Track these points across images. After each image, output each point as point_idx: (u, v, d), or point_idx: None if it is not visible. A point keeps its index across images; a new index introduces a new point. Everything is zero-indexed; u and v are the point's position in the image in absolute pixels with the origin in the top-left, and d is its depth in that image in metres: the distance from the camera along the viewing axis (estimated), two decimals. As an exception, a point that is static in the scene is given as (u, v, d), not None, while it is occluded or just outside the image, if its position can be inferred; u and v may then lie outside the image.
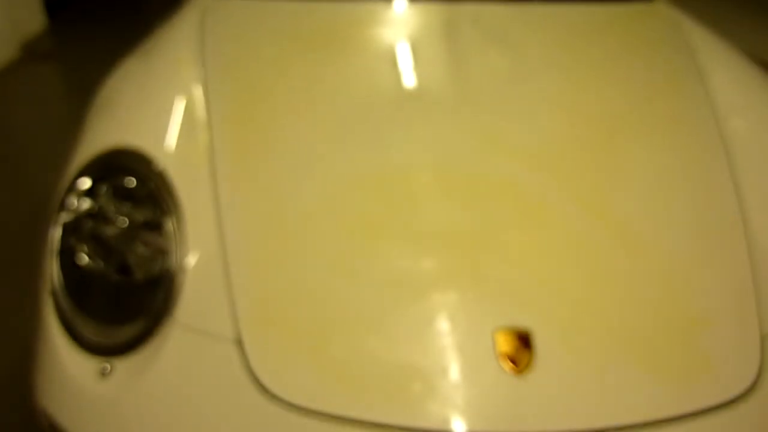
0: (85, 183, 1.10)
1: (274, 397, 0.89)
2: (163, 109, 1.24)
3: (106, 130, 1.22)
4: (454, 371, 0.90)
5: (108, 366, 0.98)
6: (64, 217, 1.09)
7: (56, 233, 1.07)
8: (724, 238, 1.08)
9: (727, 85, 1.37)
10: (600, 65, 1.41)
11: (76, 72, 3.69)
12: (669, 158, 1.20)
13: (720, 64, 1.44)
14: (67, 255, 1.06)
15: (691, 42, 1.51)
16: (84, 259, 1.06)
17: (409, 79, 1.37)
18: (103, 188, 1.10)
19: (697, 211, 1.12)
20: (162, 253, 1.05)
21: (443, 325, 0.94)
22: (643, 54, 1.48)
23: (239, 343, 0.94)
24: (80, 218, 1.09)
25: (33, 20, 4.21)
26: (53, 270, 1.05)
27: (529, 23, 1.54)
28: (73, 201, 1.10)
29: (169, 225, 1.06)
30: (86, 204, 1.10)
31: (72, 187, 1.10)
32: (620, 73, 1.41)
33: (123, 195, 1.10)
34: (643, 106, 1.32)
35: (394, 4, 1.62)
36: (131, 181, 1.10)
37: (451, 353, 0.92)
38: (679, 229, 1.08)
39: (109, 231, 1.09)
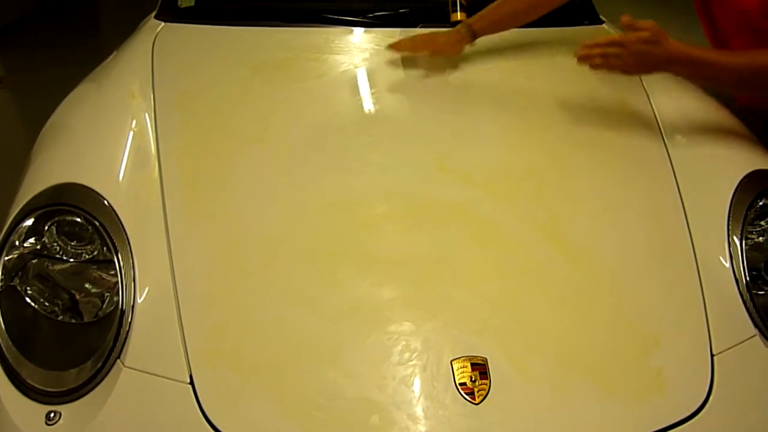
0: (29, 220, 1.06)
1: None
2: (110, 143, 1.21)
3: (52, 164, 1.18)
4: (413, 403, 0.89)
5: (54, 413, 0.93)
6: (7, 257, 1.04)
7: None
8: (674, 258, 1.10)
9: (671, 102, 1.41)
10: (551, 89, 1.44)
11: (28, 99, 3.59)
12: (619, 180, 1.23)
13: (663, 80, 1.49)
14: (10, 297, 1.02)
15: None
16: (29, 299, 1.02)
17: (364, 106, 1.37)
18: (48, 225, 1.07)
19: (647, 231, 1.14)
20: (111, 291, 1.02)
21: (401, 356, 0.93)
22: (593, 77, 1.51)
23: (191, 383, 0.91)
24: (24, 257, 1.05)
25: (-18, 46, 4.10)
26: None
27: (480, 48, 1.57)
28: (17, 239, 1.06)
29: (118, 262, 1.03)
30: (30, 242, 1.06)
31: (15, 225, 1.06)
32: (571, 95, 1.44)
33: (69, 232, 1.07)
34: (593, 126, 1.35)
35: (350, 31, 1.63)
36: (77, 218, 1.07)
37: (410, 385, 0.91)
38: (630, 251, 1.10)
39: (56, 269, 1.05)
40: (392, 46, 1.49)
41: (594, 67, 1.19)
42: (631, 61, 1.15)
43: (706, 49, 1.20)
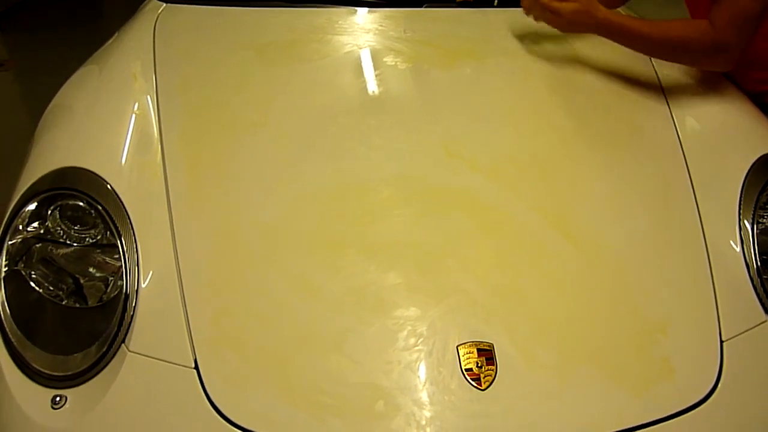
0: (32, 205, 1.06)
1: (233, 424, 0.86)
2: (112, 126, 1.19)
3: (54, 148, 1.17)
4: (419, 388, 0.89)
5: (60, 397, 0.93)
6: (11, 241, 1.04)
7: (2, 259, 1.02)
8: (684, 243, 1.09)
9: (681, 84, 1.39)
10: (558, 72, 1.42)
11: (31, 82, 3.58)
12: (628, 164, 1.21)
13: (675, 66, 1.46)
14: (14, 282, 1.02)
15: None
16: (33, 284, 1.02)
17: (368, 88, 1.35)
18: (51, 210, 1.06)
19: (656, 218, 1.12)
20: (114, 275, 1.01)
21: (406, 341, 0.93)
22: (602, 58, 1.49)
23: (196, 368, 0.91)
24: (28, 242, 1.04)
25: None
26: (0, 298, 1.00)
27: (489, 30, 1.54)
28: (20, 224, 1.05)
29: (121, 246, 1.02)
30: (34, 227, 1.06)
31: (18, 210, 1.06)
32: (579, 79, 1.41)
33: (72, 216, 1.06)
34: (601, 110, 1.33)
35: (354, 11, 1.61)
36: (80, 202, 1.06)
37: (415, 370, 0.90)
38: (638, 237, 1.08)
39: (59, 253, 1.05)
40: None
41: (535, 18, 1.43)
42: (564, 23, 1.38)
43: (630, 19, 1.37)
